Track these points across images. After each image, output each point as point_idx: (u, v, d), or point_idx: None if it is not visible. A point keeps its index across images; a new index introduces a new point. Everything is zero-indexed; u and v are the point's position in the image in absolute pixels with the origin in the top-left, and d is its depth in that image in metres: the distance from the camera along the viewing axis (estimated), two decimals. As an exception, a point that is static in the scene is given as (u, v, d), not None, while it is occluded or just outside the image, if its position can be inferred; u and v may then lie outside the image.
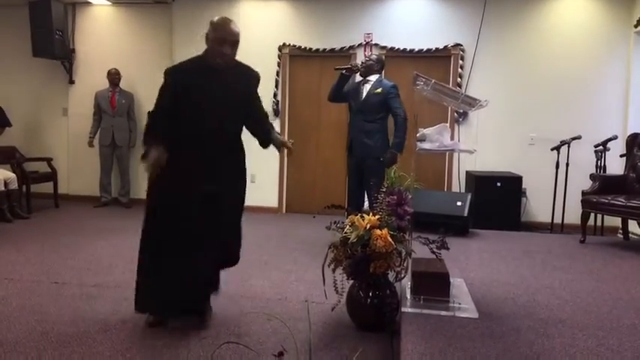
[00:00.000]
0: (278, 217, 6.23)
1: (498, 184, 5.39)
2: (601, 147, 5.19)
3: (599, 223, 5.35)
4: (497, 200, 5.31)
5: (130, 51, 6.77)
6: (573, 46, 5.77)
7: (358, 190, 4.43)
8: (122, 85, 6.56)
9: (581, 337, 2.32)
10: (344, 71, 4.33)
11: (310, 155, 6.43)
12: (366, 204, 4.36)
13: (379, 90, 4.29)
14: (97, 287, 3.34)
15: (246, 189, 2.88)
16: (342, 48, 6.11)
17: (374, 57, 4.53)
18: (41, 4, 6.26)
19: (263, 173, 6.45)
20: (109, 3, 6.75)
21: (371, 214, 2.68)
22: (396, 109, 4.24)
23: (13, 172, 5.76)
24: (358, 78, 4.57)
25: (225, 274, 3.69)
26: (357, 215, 2.68)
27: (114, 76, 6.48)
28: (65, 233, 4.96)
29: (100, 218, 5.84)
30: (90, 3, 6.78)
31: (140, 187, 6.85)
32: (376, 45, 6.12)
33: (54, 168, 6.48)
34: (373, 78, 4.39)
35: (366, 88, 4.36)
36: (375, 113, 4.29)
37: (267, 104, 6.38)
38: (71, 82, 6.94)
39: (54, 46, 6.34)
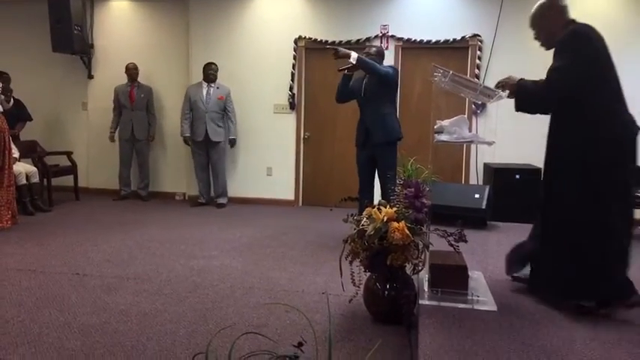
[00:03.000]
0: (294, 210, 6.25)
1: (517, 176, 5.33)
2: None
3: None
4: (516, 192, 5.24)
5: (148, 46, 6.82)
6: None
7: (369, 183, 4.46)
8: (140, 79, 6.62)
9: (602, 329, 2.29)
10: (346, 71, 4.31)
11: (326, 148, 6.43)
12: (377, 194, 4.37)
13: None
14: (118, 279, 3.39)
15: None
16: (358, 40, 6.08)
17: (373, 50, 4.50)
18: (60, 0, 6.34)
19: (279, 166, 6.47)
20: (127, -2, 6.81)
21: (388, 206, 2.67)
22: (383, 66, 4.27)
23: (35, 166, 5.86)
24: (362, 73, 4.53)
25: (240, 264, 3.72)
26: (373, 207, 2.68)
27: (132, 71, 6.53)
28: (86, 226, 5.04)
29: (119, 211, 5.92)
30: (108, -2, 6.84)
31: (159, 181, 6.93)
32: (392, 37, 6.08)
33: (74, 161, 6.58)
34: None
35: (368, 78, 4.37)
36: (378, 96, 4.29)
37: (284, 97, 6.40)
38: (90, 76, 7.03)
39: (73, 41, 6.41)
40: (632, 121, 2.52)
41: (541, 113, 2.81)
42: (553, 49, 2.65)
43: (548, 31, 2.68)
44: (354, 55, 4.06)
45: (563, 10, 2.68)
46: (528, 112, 2.82)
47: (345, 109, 6.19)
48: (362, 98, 4.40)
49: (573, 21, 2.66)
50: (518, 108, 2.78)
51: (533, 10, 2.74)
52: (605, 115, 2.49)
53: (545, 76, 2.59)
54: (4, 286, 3.23)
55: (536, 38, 2.76)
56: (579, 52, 2.50)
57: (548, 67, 2.59)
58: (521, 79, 2.71)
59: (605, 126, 2.48)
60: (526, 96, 2.69)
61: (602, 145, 2.46)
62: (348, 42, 6.11)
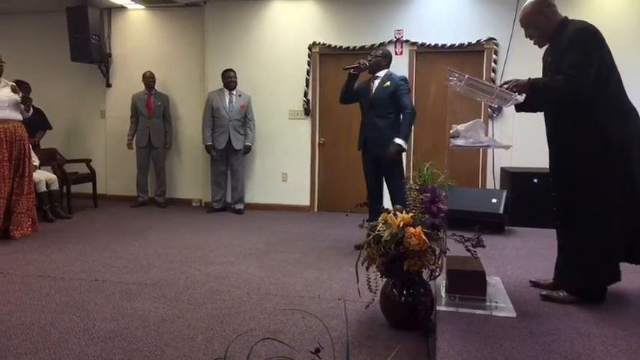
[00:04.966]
0: (310, 216, 6.26)
1: (535, 180, 5.27)
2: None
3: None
4: (534, 197, 5.18)
5: (164, 54, 6.91)
6: (612, 37, 5.57)
7: (377, 188, 4.45)
8: (156, 87, 6.70)
9: (623, 336, 2.25)
10: (352, 70, 4.31)
11: (341, 153, 6.43)
12: (387, 200, 4.35)
13: (388, 83, 4.30)
14: (136, 285, 3.43)
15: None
16: (372, 45, 6.08)
17: (380, 52, 4.49)
18: (78, 10, 6.45)
19: (295, 172, 6.49)
20: (143, 7, 6.90)
21: (404, 211, 2.66)
22: (405, 106, 4.25)
23: (54, 174, 5.95)
24: (368, 76, 4.52)
25: (256, 270, 3.72)
26: (389, 212, 2.67)
27: (149, 79, 6.61)
28: (105, 232, 5.10)
29: (137, 218, 5.98)
30: (125, 7, 6.94)
31: (176, 187, 6.99)
32: (407, 41, 6.07)
33: (93, 169, 6.67)
34: (382, 73, 4.38)
35: (376, 83, 4.36)
36: (385, 108, 4.30)
37: (298, 103, 6.42)
38: (108, 85, 7.13)
39: (91, 50, 6.52)
40: (635, 108, 2.64)
41: (546, 110, 2.87)
42: (547, 46, 2.84)
43: (544, 28, 2.77)
44: (399, 141, 4.20)
45: (555, 6, 2.77)
46: (532, 111, 2.94)
47: (359, 114, 6.18)
48: (367, 104, 4.39)
49: (566, 18, 2.76)
50: (521, 108, 2.85)
51: (525, 9, 2.79)
52: (616, 105, 2.59)
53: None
54: (25, 292, 3.28)
55: (528, 36, 2.85)
56: (592, 47, 2.58)
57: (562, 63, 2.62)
58: (529, 78, 2.74)
59: (618, 115, 2.57)
60: (539, 93, 2.72)
61: (619, 134, 2.54)
62: (362, 47, 6.12)
